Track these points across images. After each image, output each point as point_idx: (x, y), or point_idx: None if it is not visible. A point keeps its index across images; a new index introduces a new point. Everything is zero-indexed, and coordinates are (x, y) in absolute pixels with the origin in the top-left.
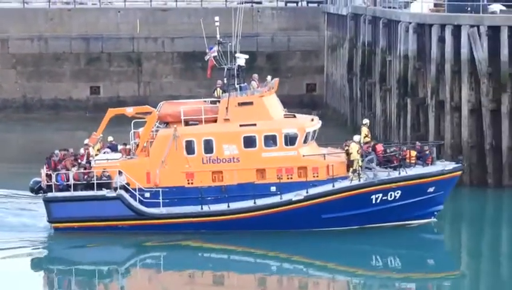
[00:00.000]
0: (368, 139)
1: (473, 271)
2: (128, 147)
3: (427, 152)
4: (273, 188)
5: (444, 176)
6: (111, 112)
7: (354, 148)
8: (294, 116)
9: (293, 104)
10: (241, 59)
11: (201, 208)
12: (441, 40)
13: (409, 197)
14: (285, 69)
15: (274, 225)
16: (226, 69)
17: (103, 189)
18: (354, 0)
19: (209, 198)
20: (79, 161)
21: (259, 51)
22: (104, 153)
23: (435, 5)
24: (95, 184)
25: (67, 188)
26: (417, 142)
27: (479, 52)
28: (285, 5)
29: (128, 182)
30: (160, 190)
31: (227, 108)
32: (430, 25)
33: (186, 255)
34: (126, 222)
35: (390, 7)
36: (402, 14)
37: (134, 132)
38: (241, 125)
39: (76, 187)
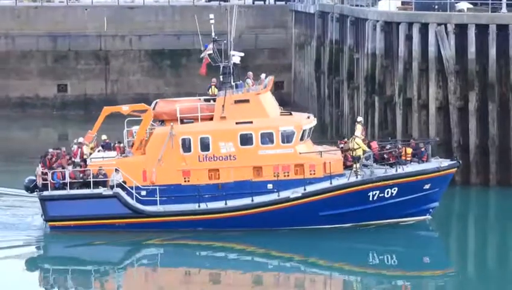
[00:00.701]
0: (362, 137)
1: (465, 268)
2: (122, 145)
3: (423, 149)
4: (269, 186)
5: (440, 173)
6: (106, 110)
7: (359, 142)
8: (291, 114)
9: None
10: (236, 57)
11: (199, 206)
12: (409, 38)
13: (405, 194)
14: (252, 67)
15: (272, 222)
16: (222, 67)
17: (100, 187)
18: None
19: (206, 196)
20: (73, 159)
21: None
22: (98, 151)
23: (403, 3)
24: (92, 182)
25: (63, 186)
26: (412, 140)
27: (447, 50)
28: (253, 3)
29: (125, 180)
30: (158, 187)
31: (223, 106)
32: (398, 23)
33: (183, 254)
34: (123, 220)
35: (357, 5)
36: (369, 12)
37: (127, 130)
38: (237, 123)
39: (72, 185)
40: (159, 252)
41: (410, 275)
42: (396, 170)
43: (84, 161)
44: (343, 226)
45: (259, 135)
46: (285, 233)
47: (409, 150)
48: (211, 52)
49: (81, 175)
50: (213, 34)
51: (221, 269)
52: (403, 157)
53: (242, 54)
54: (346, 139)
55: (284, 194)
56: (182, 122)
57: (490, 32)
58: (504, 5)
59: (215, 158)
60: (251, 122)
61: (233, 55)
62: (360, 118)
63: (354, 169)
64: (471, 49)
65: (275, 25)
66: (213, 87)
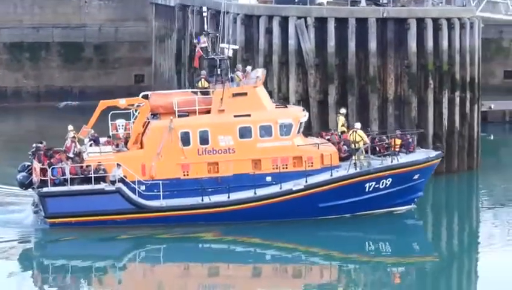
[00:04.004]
0: (344, 129)
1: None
2: (110, 139)
3: (410, 140)
4: (268, 178)
5: (428, 163)
6: (103, 104)
7: (362, 135)
8: (286, 107)
9: (121, 95)
10: (229, 50)
11: (202, 200)
12: (269, 31)
13: (397, 185)
14: (112, 60)
15: (274, 214)
16: (218, 60)
17: (101, 183)
18: None
19: (207, 189)
20: (67, 154)
21: (87, 42)
22: (90, 146)
23: None
24: (93, 178)
25: (63, 182)
26: (398, 131)
27: (306, 43)
28: None
29: (125, 175)
30: (161, 182)
31: (222, 99)
32: (258, 17)
33: (185, 248)
34: (125, 216)
35: None
36: (230, 5)
37: (111, 124)
38: (235, 116)
39: (72, 181)
40: (161, 247)
41: (403, 262)
42: (392, 161)
43: (77, 155)
44: (332, 217)
45: (258, 128)
46: (281, 224)
47: (398, 141)
48: (206, 45)
49: (81, 170)
50: (206, 26)
51: (222, 262)
52: (392, 149)
53: (236, 47)
54: (333, 131)
55: (285, 186)
56: (177, 116)
57: (349, 26)
58: None
59: (214, 151)
60: (249, 115)
61: (226, 48)
62: (342, 110)
63: (355, 160)
64: (331, 42)
65: (135, 18)
66: (203, 80)
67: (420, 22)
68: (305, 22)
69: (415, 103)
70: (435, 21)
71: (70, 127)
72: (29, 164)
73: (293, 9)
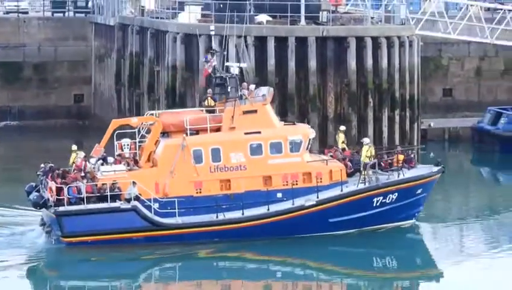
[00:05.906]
0: (344, 145)
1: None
2: (119, 158)
3: (412, 156)
4: (279, 195)
5: (431, 178)
6: (115, 123)
7: (373, 151)
8: (294, 124)
9: (60, 114)
10: (235, 68)
11: (217, 217)
12: (209, 50)
13: (402, 200)
14: (52, 80)
15: (286, 231)
16: (227, 78)
17: (116, 201)
18: (122, 11)
19: (219, 206)
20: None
21: (26, 61)
22: (102, 164)
23: (203, 15)
24: (108, 196)
25: (78, 201)
26: (398, 147)
27: (246, 62)
28: (52, 15)
29: (140, 193)
30: (176, 199)
31: (233, 116)
32: (198, 35)
33: (197, 265)
34: (141, 234)
35: (158, 17)
36: (170, 24)
37: (117, 143)
38: (246, 133)
39: (88, 200)
40: (176, 265)
41: (411, 277)
42: (398, 176)
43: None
44: (339, 233)
45: (268, 145)
46: (293, 241)
47: (401, 157)
48: (216, 63)
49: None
50: (213, 45)
51: (235, 279)
52: (395, 164)
53: (245, 65)
54: (336, 148)
55: (297, 202)
56: (186, 134)
57: (289, 45)
58: (303, 18)
59: (226, 169)
60: (259, 132)
61: (232, 66)
62: (342, 127)
63: (363, 175)
64: (271, 61)
65: (74, 37)
66: (209, 98)
67: (360, 40)
68: (245, 40)
69: (355, 121)
70: (375, 39)
71: (74, 147)
72: (37, 183)
73: (233, 28)
